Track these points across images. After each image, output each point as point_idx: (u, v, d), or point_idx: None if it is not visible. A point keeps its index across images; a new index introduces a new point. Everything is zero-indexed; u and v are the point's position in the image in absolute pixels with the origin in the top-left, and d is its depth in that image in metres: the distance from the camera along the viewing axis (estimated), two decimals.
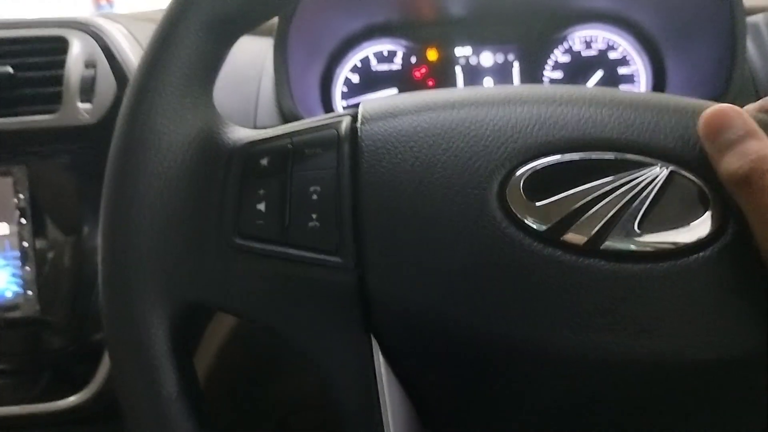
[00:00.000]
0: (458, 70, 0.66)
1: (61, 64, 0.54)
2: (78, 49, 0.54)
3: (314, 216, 0.29)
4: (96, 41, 0.55)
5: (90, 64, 0.54)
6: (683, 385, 0.27)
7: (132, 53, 0.55)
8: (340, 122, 0.30)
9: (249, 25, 0.32)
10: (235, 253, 0.29)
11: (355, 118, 0.31)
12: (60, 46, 0.54)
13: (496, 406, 0.30)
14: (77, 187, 0.53)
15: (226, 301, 0.30)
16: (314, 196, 0.29)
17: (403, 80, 0.67)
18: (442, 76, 0.67)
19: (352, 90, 0.67)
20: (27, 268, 0.52)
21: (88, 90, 0.53)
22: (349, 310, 0.29)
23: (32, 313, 0.52)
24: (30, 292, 0.52)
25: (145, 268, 0.29)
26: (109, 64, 0.54)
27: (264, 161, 0.30)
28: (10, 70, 0.53)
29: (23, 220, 0.52)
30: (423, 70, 0.67)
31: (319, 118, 0.31)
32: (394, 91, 0.67)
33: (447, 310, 0.27)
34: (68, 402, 0.53)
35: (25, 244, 0.52)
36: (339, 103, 0.66)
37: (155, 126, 0.29)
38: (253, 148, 0.31)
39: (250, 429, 0.63)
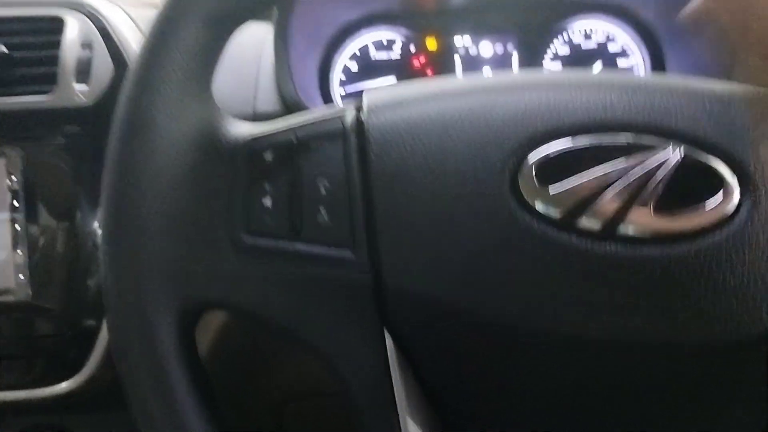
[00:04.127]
0: (457, 59, 0.66)
1: (57, 45, 0.52)
2: (74, 29, 0.53)
3: (323, 210, 0.28)
4: (93, 22, 0.54)
5: (86, 45, 0.53)
6: (701, 367, 0.27)
7: (129, 35, 0.54)
8: (344, 114, 0.30)
9: (248, 16, 0.31)
10: (243, 251, 0.28)
11: (359, 108, 0.30)
12: (56, 26, 0.53)
13: (512, 396, 0.30)
14: (72, 170, 0.52)
15: (235, 300, 0.29)
16: (322, 190, 0.28)
17: (402, 69, 0.66)
18: (441, 65, 0.66)
19: (351, 78, 0.66)
20: (19, 252, 0.51)
21: (84, 71, 0.52)
22: (364, 305, 0.28)
23: (24, 298, 0.51)
24: (22, 277, 0.51)
25: (152, 268, 0.28)
26: (106, 45, 0.53)
27: (268, 156, 0.29)
28: (4, 49, 0.52)
29: (16, 203, 0.51)
30: (422, 59, 0.66)
31: (323, 110, 0.31)
32: (392, 79, 0.66)
33: (462, 300, 0.27)
34: (60, 388, 0.52)
35: (18, 227, 0.51)
36: (337, 91, 0.66)
37: (155, 123, 0.28)
38: (256, 143, 0.30)
39: (247, 417, 0.62)
